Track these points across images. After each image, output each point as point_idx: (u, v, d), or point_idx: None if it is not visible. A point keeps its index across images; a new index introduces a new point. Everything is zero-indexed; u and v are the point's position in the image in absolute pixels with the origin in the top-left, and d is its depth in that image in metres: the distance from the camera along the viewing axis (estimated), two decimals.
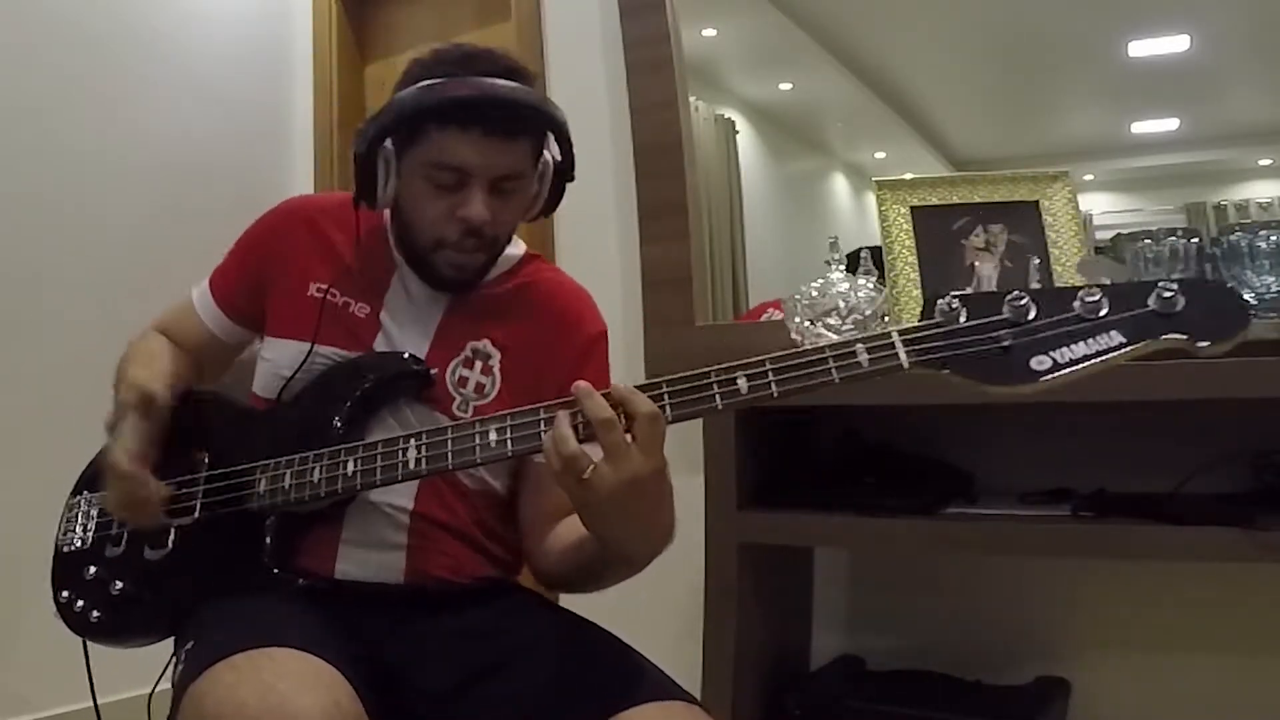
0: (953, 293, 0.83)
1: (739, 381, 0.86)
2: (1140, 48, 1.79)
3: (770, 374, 0.85)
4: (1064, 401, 1.40)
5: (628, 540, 0.95)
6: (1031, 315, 0.80)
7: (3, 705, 2.03)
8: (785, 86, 2.28)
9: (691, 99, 2.11)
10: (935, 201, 1.63)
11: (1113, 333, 0.77)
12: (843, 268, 1.56)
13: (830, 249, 1.57)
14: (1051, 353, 0.78)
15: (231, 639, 0.90)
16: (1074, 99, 1.88)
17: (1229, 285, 0.81)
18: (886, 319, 1.55)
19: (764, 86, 2.28)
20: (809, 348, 0.85)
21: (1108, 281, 0.80)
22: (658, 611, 1.87)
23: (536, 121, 1.10)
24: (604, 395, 0.87)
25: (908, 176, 1.71)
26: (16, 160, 2.19)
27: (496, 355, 1.17)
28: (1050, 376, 0.78)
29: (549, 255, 2.24)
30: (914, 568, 1.81)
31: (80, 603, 1.14)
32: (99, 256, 2.30)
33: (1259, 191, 1.68)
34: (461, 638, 1.07)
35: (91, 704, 1.24)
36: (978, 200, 1.62)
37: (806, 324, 1.53)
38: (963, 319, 0.81)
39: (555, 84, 2.34)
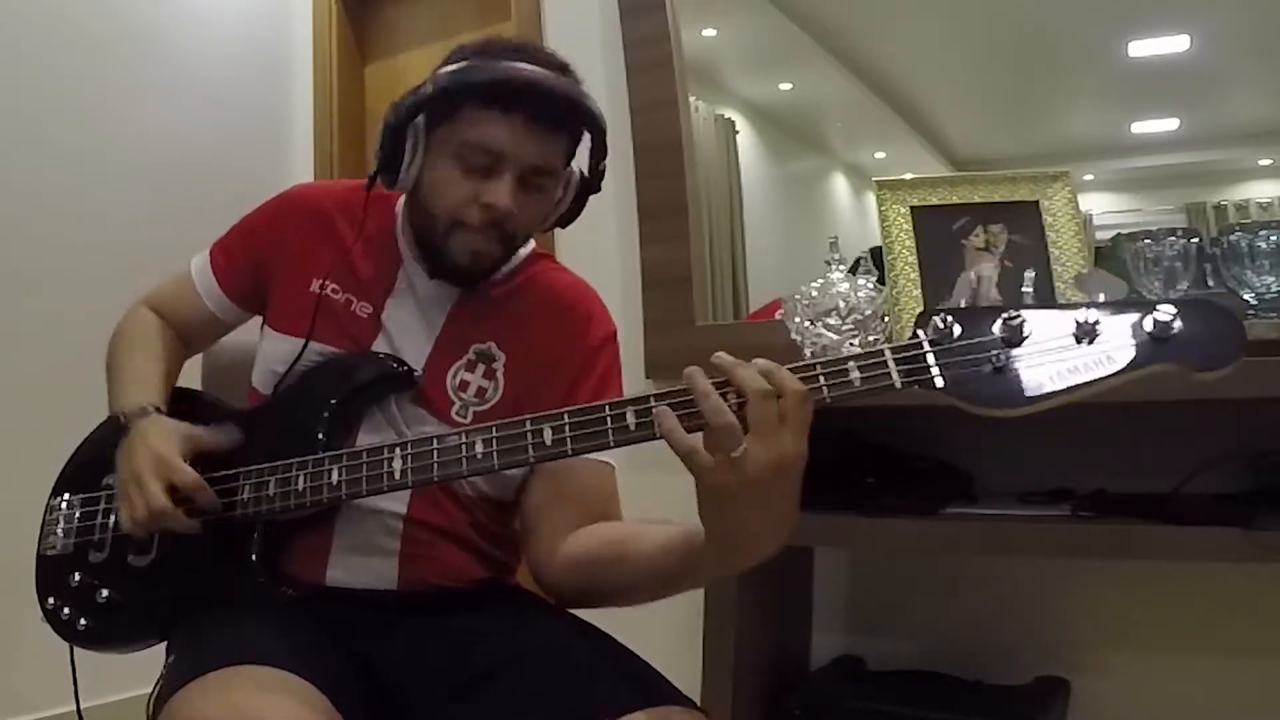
0: (945, 308, 0.81)
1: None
2: (1140, 48, 1.79)
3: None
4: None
5: (755, 534, 0.85)
6: (1026, 335, 0.77)
7: (3, 705, 2.03)
8: (785, 86, 2.28)
9: (691, 99, 2.11)
10: (935, 201, 1.63)
11: (1107, 357, 0.75)
12: (843, 267, 1.56)
13: (830, 249, 1.57)
14: (1044, 375, 0.76)
15: (209, 655, 0.89)
16: (1074, 99, 1.88)
17: (1228, 307, 0.78)
18: (886, 319, 1.55)
19: (764, 86, 2.28)
20: (803, 363, 0.81)
21: (1102, 298, 0.79)
22: (658, 612, 1.86)
23: (580, 117, 1.07)
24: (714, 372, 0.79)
25: (908, 176, 1.71)
26: (16, 160, 2.19)
27: (501, 358, 1.13)
28: (1043, 402, 0.76)
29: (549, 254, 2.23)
30: (914, 568, 1.81)
31: (67, 610, 1.12)
32: (98, 256, 2.29)
33: (1259, 191, 1.68)
34: (456, 642, 1.04)
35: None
36: (978, 200, 1.62)
37: (806, 324, 1.53)
38: (956, 335, 0.79)
39: None
